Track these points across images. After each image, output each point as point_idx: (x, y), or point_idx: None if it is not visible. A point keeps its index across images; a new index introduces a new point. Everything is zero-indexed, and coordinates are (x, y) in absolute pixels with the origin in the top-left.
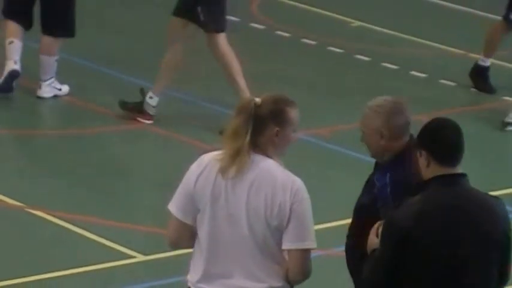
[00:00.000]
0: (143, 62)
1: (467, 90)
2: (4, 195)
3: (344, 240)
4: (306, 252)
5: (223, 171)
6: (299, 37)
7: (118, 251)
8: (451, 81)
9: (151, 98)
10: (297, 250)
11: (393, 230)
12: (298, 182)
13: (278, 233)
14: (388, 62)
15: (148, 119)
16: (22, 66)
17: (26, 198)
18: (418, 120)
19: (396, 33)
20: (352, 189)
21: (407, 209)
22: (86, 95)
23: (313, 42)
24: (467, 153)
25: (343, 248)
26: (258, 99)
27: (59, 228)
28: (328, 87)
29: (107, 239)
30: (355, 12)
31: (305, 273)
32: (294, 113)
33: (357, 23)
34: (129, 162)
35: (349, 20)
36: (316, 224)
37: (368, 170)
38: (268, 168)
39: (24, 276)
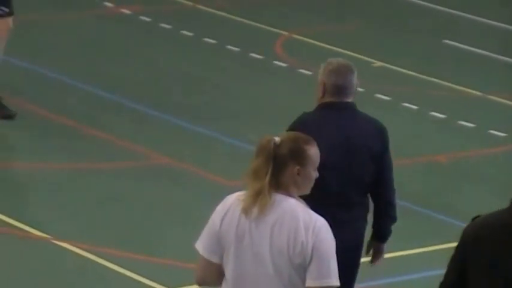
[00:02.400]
0: (167, 96)
1: (486, 132)
2: (30, 226)
3: (362, 277)
4: None
5: (246, 211)
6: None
7: (143, 283)
8: (469, 122)
9: None
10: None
11: None
12: (320, 222)
13: (302, 271)
14: (408, 102)
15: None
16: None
17: (52, 230)
18: (436, 160)
19: (416, 74)
20: (370, 228)
21: None
22: (115, 129)
23: None
24: (488, 196)
25: (360, 285)
26: (277, 139)
27: (84, 261)
28: None
29: (132, 271)
30: (376, 53)
31: None
32: (313, 151)
33: (378, 63)
34: (152, 197)
35: (370, 60)
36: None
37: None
38: (291, 208)
39: None
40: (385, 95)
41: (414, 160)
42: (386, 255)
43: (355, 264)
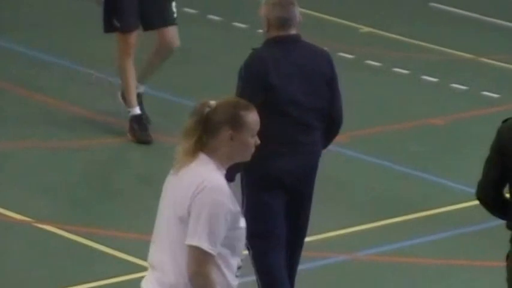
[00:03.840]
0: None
1: (478, 94)
2: (10, 210)
3: (366, 245)
4: (194, 249)
5: (172, 167)
6: None
7: (132, 263)
8: (462, 85)
9: None
10: (188, 246)
11: None
12: (209, 183)
13: (186, 228)
14: (398, 67)
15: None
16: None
17: (33, 213)
18: (429, 124)
19: (405, 39)
20: (371, 194)
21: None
22: (95, 105)
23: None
24: (484, 156)
25: (365, 252)
26: (212, 103)
27: (70, 242)
28: None
29: (120, 251)
30: (363, 18)
31: (190, 270)
32: (251, 117)
33: (366, 29)
34: (137, 173)
35: (358, 26)
36: (337, 229)
37: (384, 174)
38: (196, 169)
39: None
40: (375, 61)
41: (408, 124)
42: (387, 222)
43: (313, 185)
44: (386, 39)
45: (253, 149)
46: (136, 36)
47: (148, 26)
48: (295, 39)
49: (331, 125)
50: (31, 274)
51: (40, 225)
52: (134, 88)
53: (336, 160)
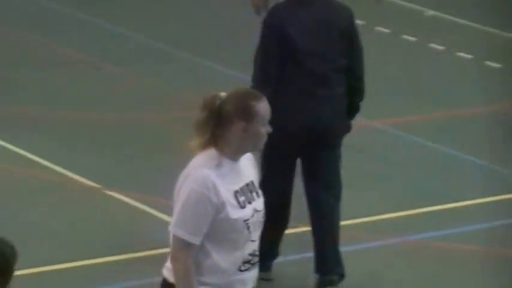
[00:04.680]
0: (216, 45)
1: None
2: (82, 176)
3: (415, 229)
4: (173, 235)
5: None
6: (372, 26)
7: None
8: None
9: None
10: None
11: None
12: (193, 173)
13: None
14: (462, 52)
15: None
16: None
17: (103, 180)
18: (494, 110)
19: (470, 23)
20: (425, 177)
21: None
22: (162, 79)
23: (386, 31)
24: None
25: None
26: (223, 94)
27: (135, 210)
28: (400, 77)
29: None
30: (428, 1)
31: (170, 254)
32: (261, 107)
33: (431, 12)
34: None
35: (422, 8)
36: (386, 212)
37: (441, 159)
38: (196, 159)
39: (101, 257)
40: (438, 44)
41: (473, 111)
42: (441, 207)
43: (335, 139)
44: (451, 23)
45: (265, 139)
46: None
47: None
48: None
49: (353, 81)
50: (97, 239)
51: (108, 192)
52: None
53: (395, 143)
